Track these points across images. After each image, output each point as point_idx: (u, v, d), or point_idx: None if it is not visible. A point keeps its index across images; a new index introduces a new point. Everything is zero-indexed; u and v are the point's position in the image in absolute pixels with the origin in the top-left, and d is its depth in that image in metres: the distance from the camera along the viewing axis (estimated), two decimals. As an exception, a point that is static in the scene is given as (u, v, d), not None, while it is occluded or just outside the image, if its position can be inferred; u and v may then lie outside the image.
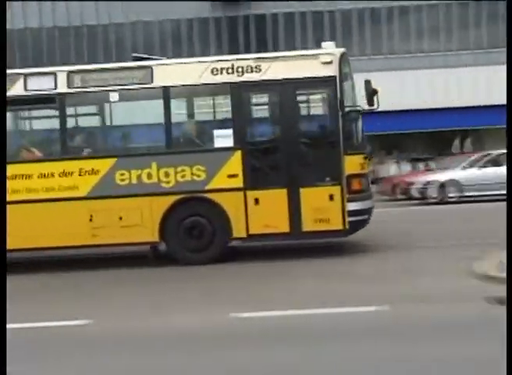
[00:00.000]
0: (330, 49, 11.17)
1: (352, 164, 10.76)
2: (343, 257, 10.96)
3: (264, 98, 11.70)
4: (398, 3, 31.07)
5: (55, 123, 11.33)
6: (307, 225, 10.77)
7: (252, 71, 10.92)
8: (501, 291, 7.37)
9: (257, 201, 10.81)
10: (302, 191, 10.79)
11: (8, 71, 10.36)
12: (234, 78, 10.91)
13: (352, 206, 10.76)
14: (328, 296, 8.08)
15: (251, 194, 10.82)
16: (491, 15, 30.22)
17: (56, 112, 11.21)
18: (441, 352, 5.71)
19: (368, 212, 11.21)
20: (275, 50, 26.18)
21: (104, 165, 11.00)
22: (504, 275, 8.09)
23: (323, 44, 11.54)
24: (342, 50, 11.20)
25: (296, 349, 5.89)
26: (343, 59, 10.98)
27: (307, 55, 11.33)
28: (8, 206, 9.33)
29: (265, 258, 11.28)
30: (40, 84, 11.05)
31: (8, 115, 10.86)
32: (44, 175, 10.95)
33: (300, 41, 29.94)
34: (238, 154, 10.86)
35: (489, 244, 10.36)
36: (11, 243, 9.50)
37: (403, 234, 12.83)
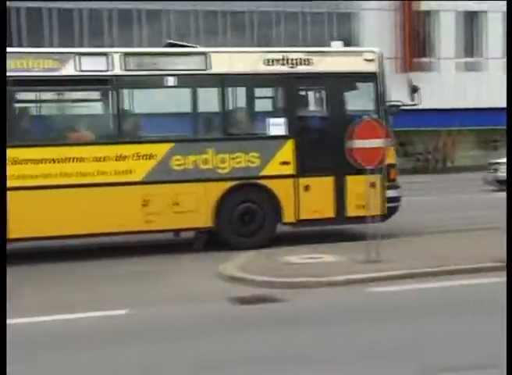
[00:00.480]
0: (371, 48, 12.36)
1: (390, 155, 11.11)
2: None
3: (315, 90, 12.35)
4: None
5: (108, 106, 11.26)
6: (351, 211, 11.64)
7: (303, 64, 11.59)
8: (243, 291, 8.23)
9: (307, 187, 11.47)
10: (347, 178, 11.53)
11: (59, 50, 11.42)
12: (287, 69, 11.52)
13: (390, 193, 11.85)
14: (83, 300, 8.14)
15: (302, 181, 11.48)
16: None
17: (110, 94, 11.06)
18: (164, 354, 5.88)
19: (400, 199, 12.23)
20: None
21: (160, 150, 10.99)
22: (246, 275, 8.85)
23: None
24: (380, 49, 12.17)
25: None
26: (381, 58, 12.01)
27: (352, 52, 12.42)
28: (58, 190, 10.07)
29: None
30: (94, 65, 10.81)
31: (59, 95, 11.24)
32: (98, 159, 10.72)
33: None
34: (290, 142, 11.46)
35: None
36: (64, 229, 10.21)
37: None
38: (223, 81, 11.30)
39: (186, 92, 11.48)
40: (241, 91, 12.16)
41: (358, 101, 12.36)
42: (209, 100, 11.57)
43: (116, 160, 10.83)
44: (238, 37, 32.35)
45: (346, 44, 21.77)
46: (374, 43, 28.18)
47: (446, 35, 35.43)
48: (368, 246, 9.63)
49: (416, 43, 35.92)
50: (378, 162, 9.84)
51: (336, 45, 12.41)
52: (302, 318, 7.19)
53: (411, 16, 36.06)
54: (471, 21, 37.41)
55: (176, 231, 11.67)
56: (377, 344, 6.13)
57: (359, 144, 9.67)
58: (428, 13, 36.58)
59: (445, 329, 6.55)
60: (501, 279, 8.07)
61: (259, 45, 21.91)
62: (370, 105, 11.91)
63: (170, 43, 12.65)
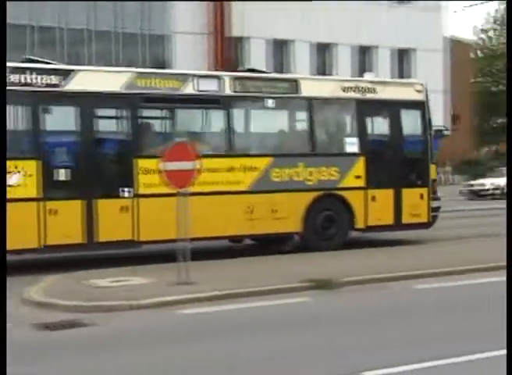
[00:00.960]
0: (420, 81, 15.63)
1: (434, 171, 14.52)
2: None
3: (379, 115, 14.38)
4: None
5: (219, 123, 12.76)
6: (406, 218, 13.99)
7: (370, 92, 13.84)
8: (50, 316, 8.10)
9: (373, 198, 13.66)
10: (403, 191, 13.97)
11: (176, 71, 14.25)
12: (359, 96, 13.70)
13: (434, 204, 14.35)
14: None
15: (370, 193, 13.65)
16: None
17: (222, 113, 12.62)
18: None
19: (439, 209, 14.75)
20: None
21: (262, 163, 12.72)
22: (52, 300, 8.79)
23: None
24: (425, 83, 14.92)
25: None
26: (426, 89, 14.64)
27: (406, 83, 15.86)
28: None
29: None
30: (208, 86, 12.39)
31: (182, 112, 12.68)
32: (212, 170, 11.87)
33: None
34: (362, 159, 13.65)
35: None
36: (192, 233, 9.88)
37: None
38: (311, 104, 13.33)
39: (281, 113, 13.83)
40: (324, 114, 13.90)
41: (410, 125, 14.49)
42: (299, 120, 13.99)
43: (227, 171, 12.39)
44: (48, 53, 31.30)
45: (160, 67, 23.21)
46: (187, 66, 28.59)
47: (257, 62, 36.54)
48: (178, 267, 9.70)
49: (228, 68, 36.58)
50: (188, 185, 9.93)
51: (370, 76, 16.20)
52: (114, 342, 7.14)
53: (223, 42, 36.95)
54: (280, 48, 39.02)
55: (271, 235, 13.13)
56: (195, 363, 6.29)
57: (170, 166, 9.73)
58: (239, 39, 37.69)
59: (255, 347, 6.79)
60: (304, 299, 8.51)
61: (70, 63, 21.43)
62: (419, 129, 14.44)
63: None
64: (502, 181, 27.97)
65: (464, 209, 23.92)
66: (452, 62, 44.32)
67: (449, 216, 18.19)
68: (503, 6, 63.72)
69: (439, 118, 33.29)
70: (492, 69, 65.49)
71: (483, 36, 66.50)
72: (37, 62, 11.82)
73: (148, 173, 11.61)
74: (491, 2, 64.55)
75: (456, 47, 48.54)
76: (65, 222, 11.11)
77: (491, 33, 66.47)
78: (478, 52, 65.23)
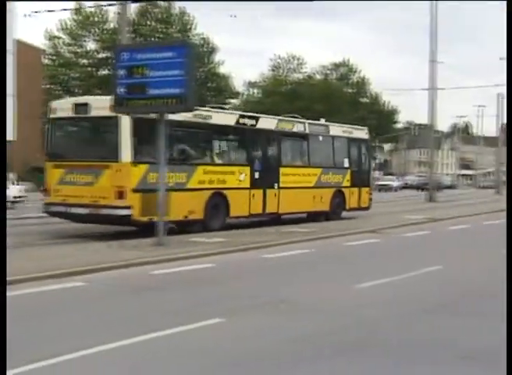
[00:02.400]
0: (365, 127, 27.24)
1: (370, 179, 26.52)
2: None
3: (356, 146, 25.27)
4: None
5: (304, 148, 23.04)
6: (363, 204, 25.13)
7: (351, 133, 25.22)
8: None
9: (352, 193, 24.43)
10: (362, 189, 24.81)
11: (290, 118, 23.09)
12: (347, 135, 24.93)
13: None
14: None
15: (352, 190, 24.45)
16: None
17: (305, 143, 22.94)
18: None
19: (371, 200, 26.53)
20: None
21: (318, 172, 22.98)
22: None
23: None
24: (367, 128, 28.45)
25: None
26: (368, 132, 27.91)
27: (362, 129, 26.20)
28: (285, 190, 21.07)
29: None
30: (300, 128, 22.76)
31: (290, 141, 22.87)
32: (299, 174, 22.34)
33: None
34: (349, 171, 24.48)
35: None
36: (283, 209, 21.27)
37: None
38: (334, 140, 24.09)
39: (324, 144, 23.63)
40: (337, 145, 24.22)
41: (364, 153, 25.56)
42: (330, 148, 23.97)
43: (305, 175, 22.42)
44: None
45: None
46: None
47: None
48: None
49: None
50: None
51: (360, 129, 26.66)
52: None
53: None
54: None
55: (318, 212, 22.93)
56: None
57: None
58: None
59: None
60: None
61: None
62: (367, 155, 25.87)
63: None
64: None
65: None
66: (21, 66, 38.60)
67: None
68: (73, 17, 65.61)
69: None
70: (62, 76, 66.56)
71: (53, 42, 67.27)
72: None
73: (284, 175, 21.22)
74: (62, 11, 67.55)
75: (27, 51, 46.57)
76: (256, 201, 20.11)
77: (60, 41, 67.56)
78: (47, 59, 64.94)
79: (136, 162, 16.44)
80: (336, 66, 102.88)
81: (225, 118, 19.64)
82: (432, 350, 6.87)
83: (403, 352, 6.80)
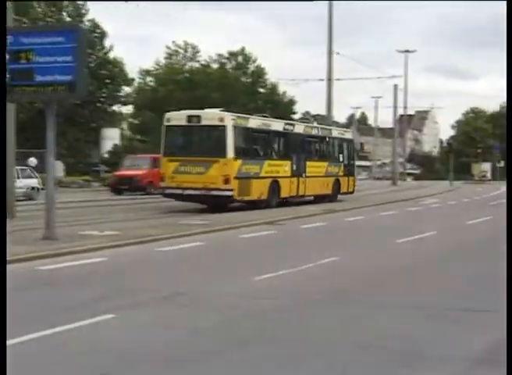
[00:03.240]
0: (349, 130, 45.21)
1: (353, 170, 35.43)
2: None
3: (348, 145, 33.89)
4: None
5: (323, 147, 32.10)
6: (350, 189, 33.46)
7: (343, 134, 34.86)
8: None
9: (344, 180, 32.63)
10: (349, 178, 33.48)
11: (317, 125, 34.37)
12: (341, 136, 34.09)
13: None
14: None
15: (344, 178, 32.83)
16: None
17: (330, 143, 32.65)
18: None
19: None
20: None
21: (325, 164, 30.93)
22: None
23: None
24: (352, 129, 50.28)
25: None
26: (354, 132, 50.12)
27: (349, 131, 39.95)
28: (312, 179, 29.14)
29: None
30: (316, 131, 31.80)
31: (312, 141, 31.17)
32: (322, 166, 30.63)
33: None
34: (343, 164, 32.89)
35: None
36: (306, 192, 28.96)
37: None
38: (334, 140, 32.69)
39: (331, 144, 32.29)
40: (337, 144, 32.85)
41: (351, 149, 34.03)
42: (333, 147, 32.53)
43: (318, 167, 29.83)
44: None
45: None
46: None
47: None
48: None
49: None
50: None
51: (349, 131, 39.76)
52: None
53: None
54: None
55: (326, 195, 30.76)
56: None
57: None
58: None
59: None
60: None
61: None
62: (352, 151, 34.14)
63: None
64: None
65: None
66: None
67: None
68: None
69: None
70: None
71: None
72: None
73: (308, 167, 28.74)
74: None
75: None
76: (294, 186, 27.71)
77: None
78: None
79: (236, 157, 24.12)
80: (232, 54, 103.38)
81: (277, 125, 27.81)
82: (327, 341, 7.03)
83: (298, 345, 6.92)
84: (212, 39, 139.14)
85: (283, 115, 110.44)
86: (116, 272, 11.39)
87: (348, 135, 35.20)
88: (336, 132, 33.67)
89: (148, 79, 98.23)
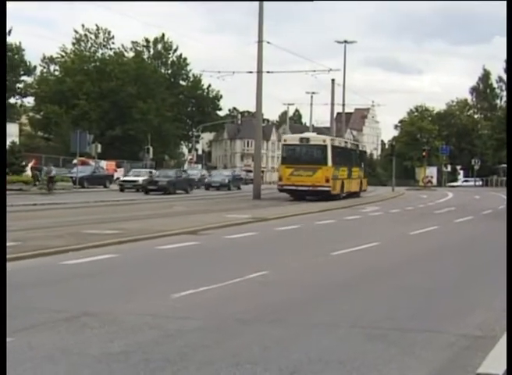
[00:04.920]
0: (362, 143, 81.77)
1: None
2: None
3: (362, 154, 56.10)
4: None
5: (355, 156, 52.77)
6: (363, 188, 54.73)
7: (360, 147, 59.11)
8: None
9: (362, 182, 53.33)
10: (363, 180, 54.53)
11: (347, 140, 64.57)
12: (360, 148, 57.65)
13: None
14: None
15: (364, 180, 55.12)
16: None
17: (356, 154, 53.81)
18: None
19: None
20: None
21: (358, 169, 51.11)
22: None
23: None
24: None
25: None
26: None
27: (362, 144, 74.63)
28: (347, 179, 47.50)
29: None
30: (346, 144, 53.33)
31: (345, 152, 49.22)
32: (353, 171, 49.68)
33: None
34: (361, 169, 53.75)
35: None
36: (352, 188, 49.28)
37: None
38: (358, 151, 54.00)
39: (359, 155, 53.31)
40: (359, 154, 53.90)
41: (364, 157, 56.76)
42: (357, 156, 52.56)
43: (354, 172, 49.08)
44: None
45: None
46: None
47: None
48: None
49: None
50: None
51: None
52: None
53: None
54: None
55: (357, 192, 50.33)
56: None
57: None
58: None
59: None
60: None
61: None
62: (364, 159, 56.05)
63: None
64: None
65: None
66: None
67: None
68: None
69: None
70: None
71: None
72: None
73: (351, 171, 47.70)
74: None
75: None
76: (349, 185, 47.07)
77: None
78: None
79: (333, 165, 42.34)
80: (150, 42, 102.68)
81: (344, 144, 50.47)
82: (253, 365, 7.05)
83: (219, 371, 6.92)
84: (127, 24, 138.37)
85: (207, 111, 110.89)
86: (13, 288, 11.15)
87: (363, 147, 59.15)
88: (359, 146, 57.45)
89: (53, 68, 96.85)
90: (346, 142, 53.18)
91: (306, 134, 48.28)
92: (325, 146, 42.21)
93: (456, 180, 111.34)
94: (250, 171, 77.31)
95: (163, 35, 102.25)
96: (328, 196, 41.14)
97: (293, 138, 45.80)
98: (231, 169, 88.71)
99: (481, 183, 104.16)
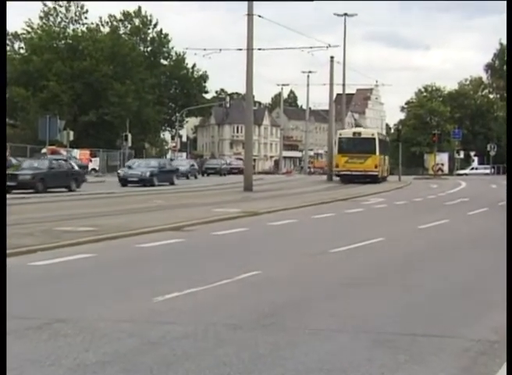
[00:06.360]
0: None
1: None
2: None
3: (385, 143, 73.50)
4: None
5: (384, 146, 71.36)
6: (385, 174, 71.78)
7: (384, 136, 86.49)
8: None
9: (388, 169, 72.58)
10: (386, 157, 72.96)
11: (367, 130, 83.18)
12: (382, 138, 75.43)
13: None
14: None
15: (387, 167, 73.60)
16: None
17: (378, 144, 64.38)
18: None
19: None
20: None
21: (382, 156, 64.61)
22: None
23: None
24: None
25: None
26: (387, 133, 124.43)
27: (385, 134, 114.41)
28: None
29: None
30: (373, 135, 66.50)
31: (372, 142, 64.23)
32: (379, 159, 63.64)
33: None
34: (380, 155, 65.48)
35: None
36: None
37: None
38: (379, 139, 65.19)
39: (383, 143, 68.12)
40: (382, 143, 66.48)
41: (387, 146, 73.53)
42: (384, 144, 68.04)
43: (383, 159, 64.69)
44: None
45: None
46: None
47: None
48: None
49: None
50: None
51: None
52: None
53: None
54: None
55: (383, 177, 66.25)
56: None
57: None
58: None
59: None
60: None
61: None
62: (388, 148, 74.13)
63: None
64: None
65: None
66: None
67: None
68: None
69: None
70: None
71: None
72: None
73: (380, 159, 61.98)
74: None
75: None
76: (383, 171, 65.30)
77: None
78: None
79: (380, 154, 60.79)
80: (127, 16, 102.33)
81: (382, 136, 74.99)
82: (247, 376, 7.07)
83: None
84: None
85: (191, 93, 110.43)
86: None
87: (387, 137, 79.83)
88: (385, 136, 75.18)
89: (17, 45, 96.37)
90: (383, 134, 76.07)
91: (357, 129, 74.99)
92: (374, 139, 61.01)
93: (466, 167, 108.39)
94: (241, 159, 77.82)
95: (140, 8, 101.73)
96: (375, 179, 57.94)
97: (346, 133, 65.47)
98: (191, 160, 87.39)
99: (496, 170, 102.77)
